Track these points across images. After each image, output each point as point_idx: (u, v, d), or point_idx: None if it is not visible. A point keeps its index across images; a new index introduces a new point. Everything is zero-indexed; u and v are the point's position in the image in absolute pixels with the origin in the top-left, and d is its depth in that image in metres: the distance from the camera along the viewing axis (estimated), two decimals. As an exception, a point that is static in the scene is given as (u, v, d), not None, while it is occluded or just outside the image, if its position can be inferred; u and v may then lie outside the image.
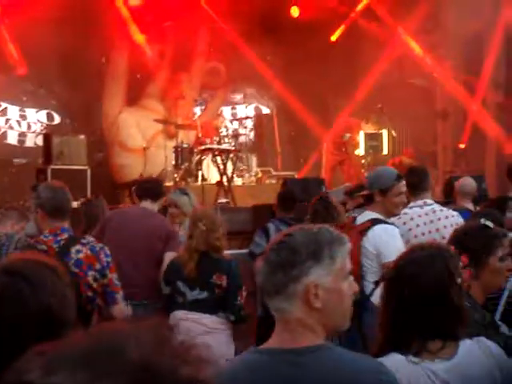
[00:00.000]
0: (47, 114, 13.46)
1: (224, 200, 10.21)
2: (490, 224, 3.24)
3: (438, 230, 5.26)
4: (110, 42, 13.49)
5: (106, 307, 3.99)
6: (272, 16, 14.29)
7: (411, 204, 5.35)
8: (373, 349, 2.49)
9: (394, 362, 2.33)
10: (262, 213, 8.31)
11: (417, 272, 2.45)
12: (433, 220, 5.31)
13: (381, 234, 4.65)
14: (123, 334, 0.79)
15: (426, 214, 5.32)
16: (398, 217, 5.06)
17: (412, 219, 5.28)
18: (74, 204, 6.01)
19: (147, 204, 5.72)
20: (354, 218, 4.98)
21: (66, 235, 3.98)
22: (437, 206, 5.46)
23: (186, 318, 4.91)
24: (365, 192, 5.05)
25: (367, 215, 4.81)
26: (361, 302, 4.25)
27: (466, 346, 2.45)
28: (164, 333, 0.83)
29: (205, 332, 4.87)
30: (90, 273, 3.93)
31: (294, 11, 15.28)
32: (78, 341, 0.80)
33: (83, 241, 4.02)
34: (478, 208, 6.72)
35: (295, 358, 1.98)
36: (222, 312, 5.00)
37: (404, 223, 5.23)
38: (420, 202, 5.36)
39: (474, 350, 2.46)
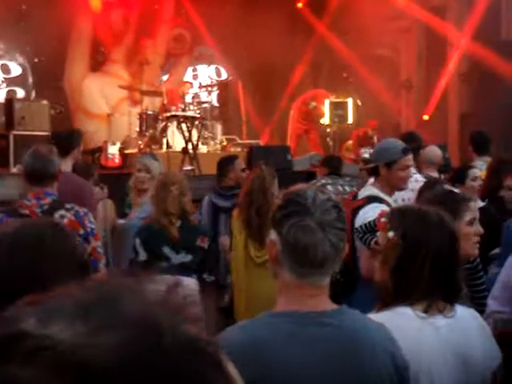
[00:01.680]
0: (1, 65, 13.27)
1: (189, 167, 10.17)
2: (455, 189, 3.26)
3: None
4: (74, 6, 13.28)
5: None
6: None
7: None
8: (378, 303, 2.52)
9: (403, 314, 2.39)
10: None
11: (431, 232, 2.46)
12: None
13: (370, 214, 4.36)
14: (121, 287, 0.76)
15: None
16: None
17: None
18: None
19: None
20: (356, 193, 4.76)
21: (49, 199, 3.94)
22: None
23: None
24: (370, 165, 4.79)
25: (367, 190, 4.64)
26: (355, 283, 4.22)
27: (461, 310, 2.51)
28: (165, 288, 0.80)
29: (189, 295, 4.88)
30: None
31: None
32: (74, 292, 0.76)
33: (67, 206, 3.96)
34: (442, 176, 6.82)
35: (327, 320, 2.03)
36: (197, 274, 5.03)
37: None
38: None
39: (466, 313, 2.53)
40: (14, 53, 13.33)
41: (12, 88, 13.10)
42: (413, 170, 5.15)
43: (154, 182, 5.68)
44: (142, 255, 5.03)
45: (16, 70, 13.45)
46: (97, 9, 13.78)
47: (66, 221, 3.85)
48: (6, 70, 13.33)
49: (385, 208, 4.25)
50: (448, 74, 13.38)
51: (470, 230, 3.14)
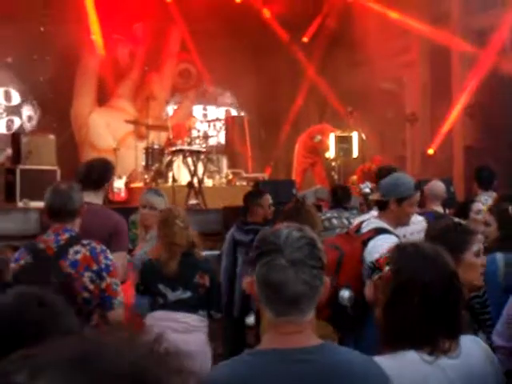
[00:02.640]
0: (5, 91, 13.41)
1: (194, 201, 10.20)
2: (461, 221, 3.28)
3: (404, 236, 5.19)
4: (81, 41, 13.46)
5: (103, 311, 3.97)
6: (244, 17, 14.39)
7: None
8: (380, 347, 2.47)
9: (409, 360, 2.34)
10: (233, 215, 8.32)
11: (424, 269, 2.44)
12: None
13: (381, 244, 4.27)
14: (111, 342, 0.78)
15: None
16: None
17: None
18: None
19: (90, 196, 4.85)
20: (359, 226, 4.71)
21: (67, 235, 3.96)
22: None
23: (167, 318, 4.89)
24: (378, 197, 4.73)
25: (373, 223, 4.59)
26: (365, 318, 4.10)
27: (467, 344, 2.47)
28: (151, 342, 0.82)
29: (186, 330, 4.88)
30: (87, 274, 3.88)
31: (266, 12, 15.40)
32: (66, 346, 0.79)
33: (84, 242, 3.98)
34: (447, 211, 6.83)
35: (306, 356, 2.00)
36: (202, 310, 5.02)
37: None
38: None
39: (473, 348, 2.49)
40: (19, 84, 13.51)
41: (11, 117, 13.22)
42: None
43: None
44: (144, 290, 5.07)
45: (16, 98, 13.60)
46: (101, 49, 13.93)
47: (79, 256, 3.90)
48: (8, 97, 13.49)
49: (395, 240, 4.23)
50: (453, 108, 13.44)
51: (476, 260, 3.18)
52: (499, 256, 4.39)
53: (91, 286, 3.88)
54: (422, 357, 2.37)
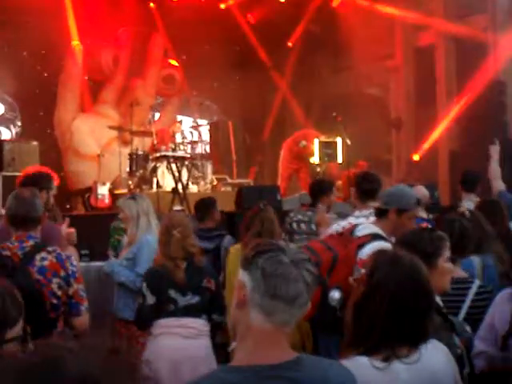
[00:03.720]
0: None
1: (179, 207, 10.15)
2: (432, 227, 3.31)
3: None
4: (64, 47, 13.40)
5: (69, 317, 3.95)
6: (227, 23, 14.38)
7: (357, 213, 5.15)
8: (348, 343, 2.49)
9: (358, 366, 2.34)
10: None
11: (395, 275, 2.47)
12: None
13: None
14: (64, 349, 0.78)
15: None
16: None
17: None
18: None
19: None
20: (354, 227, 4.74)
21: (31, 242, 3.95)
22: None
23: (176, 325, 4.90)
24: (378, 205, 4.78)
25: (369, 228, 4.62)
26: None
27: (428, 349, 2.47)
28: (108, 350, 0.82)
29: (195, 335, 4.91)
30: (55, 280, 3.89)
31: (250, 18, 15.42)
32: (17, 355, 0.82)
33: (49, 249, 3.98)
34: (430, 216, 6.82)
35: (281, 373, 1.97)
36: (205, 315, 5.05)
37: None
38: (366, 212, 5.22)
39: (434, 354, 2.48)
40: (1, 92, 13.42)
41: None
42: None
43: (131, 221, 5.74)
44: (150, 299, 4.98)
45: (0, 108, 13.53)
46: (78, 51, 13.87)
47: (46, 263, 3.90)
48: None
49: (389, 245, 4.24)
50: (438, 113, 13.48)
51: (448, 266, 3.28)
52: (476, 260, 4.51)
53: (59, 292, 3.89)
54: (372, 363, 2.38)
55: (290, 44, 15.79)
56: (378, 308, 2.42)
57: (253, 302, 2.01)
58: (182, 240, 5.02)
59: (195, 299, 5.01)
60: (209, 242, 6.54)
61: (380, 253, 2.65)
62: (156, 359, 4.74)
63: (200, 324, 4.99)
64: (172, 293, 4.97)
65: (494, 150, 7.71)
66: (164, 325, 4.91)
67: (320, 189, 7.00)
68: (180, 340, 4.83)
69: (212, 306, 5.10)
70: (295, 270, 1.99)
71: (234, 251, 5.67)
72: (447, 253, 3.27)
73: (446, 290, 3.31)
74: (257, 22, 15.45)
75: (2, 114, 13.56)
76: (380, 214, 4.67)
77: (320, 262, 4.34)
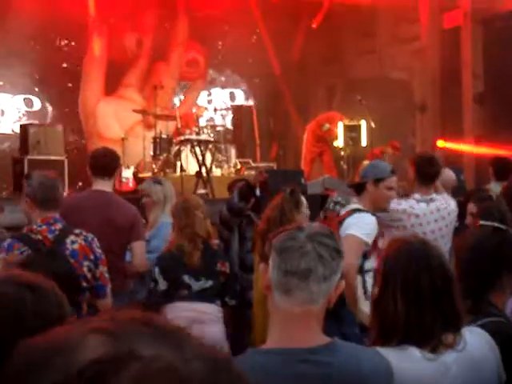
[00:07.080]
0: (25, 99, 13.36)
1: (203, 191, 10.16)
2: None
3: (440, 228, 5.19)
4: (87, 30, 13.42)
5: (95, 300, 3.95)
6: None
7: (417, 196, 5.20)
8: (374, 339, 2.43)
9: (412, 357, 2.30)
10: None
11: (405, 263, 2.42)
12: (437, 219, 5.20)
13: (355, 222, 4.50)
14: (79, 335, 0.79)
15: (438, 210, 5.21)
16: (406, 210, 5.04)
17: (425, 215, 5.15)
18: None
19: (104, 184, 5.01)
20: (338, 213, 4.75)
21: (60, 225, 3.92)
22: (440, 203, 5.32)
23: (192, 309, 4.88)
24: (356, 181, 4.92)
25: (350, 207, 4.67)
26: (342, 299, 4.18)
27: (471, 335, 2.43)
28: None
29: (210, 321, 4.89)
30: (85, 263, 3.89)
31: None
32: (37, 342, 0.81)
33: (76, 231, 3.96)
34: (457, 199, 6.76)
35: (312, 357, 1.95)
36: (218, 299, 5.03)
37: (417, 216, 5.13)
38: (427, 198, 5.23)
39: (477, 339, 2.44)
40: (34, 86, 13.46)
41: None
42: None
43: (158, 206, 5.67)
44: (162, 284, 4.95)
45: (37, 104, 13.57)
46: (103, 32, 13.90)
47: (76, 246, 3.89)
48: (29, 104, 13.46)
49: (371, 218, 4.52)
50: (463, 96, 13.33)
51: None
52: None
53: (89, 275, 3.88)
54: (424, 355, 2.31)
55: (314, 26, 15.65)
56: (394, 296, 2.37)
57: (273, 283, 2.00)
58: (204, 220, 5.04)
59: (209, 283, 4.99)
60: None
61: (391, 242, 2.62)
62: None
63: (214, 309, 4.97)
64: (186, 278, 4.94)
65: None
66: (176, 309, 4.86)
67: None
68: (193, 325, 4.80)
69: (224, 290, 5.08)
70: (310, 245, 1.97)
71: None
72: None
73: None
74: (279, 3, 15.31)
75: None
76: (359, 189, 4.78)
77: None
